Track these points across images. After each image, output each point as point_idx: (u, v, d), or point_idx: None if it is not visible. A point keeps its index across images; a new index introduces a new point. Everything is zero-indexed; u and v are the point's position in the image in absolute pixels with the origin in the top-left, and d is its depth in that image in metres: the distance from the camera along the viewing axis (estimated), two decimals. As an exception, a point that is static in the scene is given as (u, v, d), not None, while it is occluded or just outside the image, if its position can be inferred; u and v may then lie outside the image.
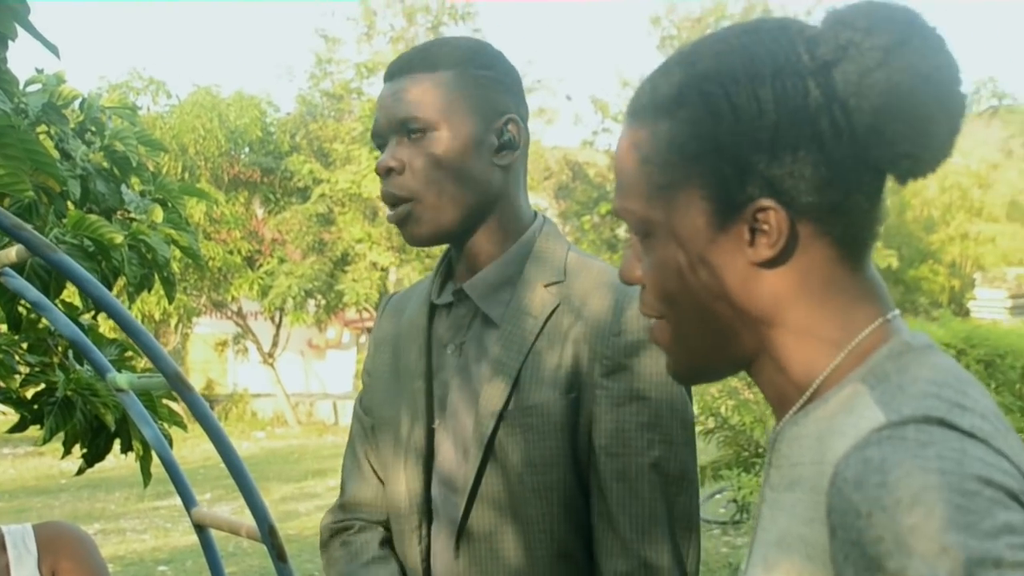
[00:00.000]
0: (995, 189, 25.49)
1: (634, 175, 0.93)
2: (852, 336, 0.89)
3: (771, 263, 0.89)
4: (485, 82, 1.50)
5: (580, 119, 31.68)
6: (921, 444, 0.76)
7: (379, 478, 1.63)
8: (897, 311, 0.92)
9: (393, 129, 1.50)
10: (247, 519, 1.45)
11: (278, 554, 1.33)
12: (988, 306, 19.88)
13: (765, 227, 0.88)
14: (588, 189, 22.36)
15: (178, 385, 1.29)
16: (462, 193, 1.48)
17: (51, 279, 2.29)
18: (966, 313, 20.26)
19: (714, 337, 0.93)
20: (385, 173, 1.49)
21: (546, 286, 1.50)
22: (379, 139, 1.53)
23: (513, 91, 1.54)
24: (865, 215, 0.89)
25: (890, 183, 0.91)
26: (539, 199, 23.16)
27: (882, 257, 22.48)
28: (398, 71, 1.52)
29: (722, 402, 7.37)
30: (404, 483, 1.54)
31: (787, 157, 0.86)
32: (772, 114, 0.86)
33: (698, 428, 7.40)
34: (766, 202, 0.87)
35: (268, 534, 1.33)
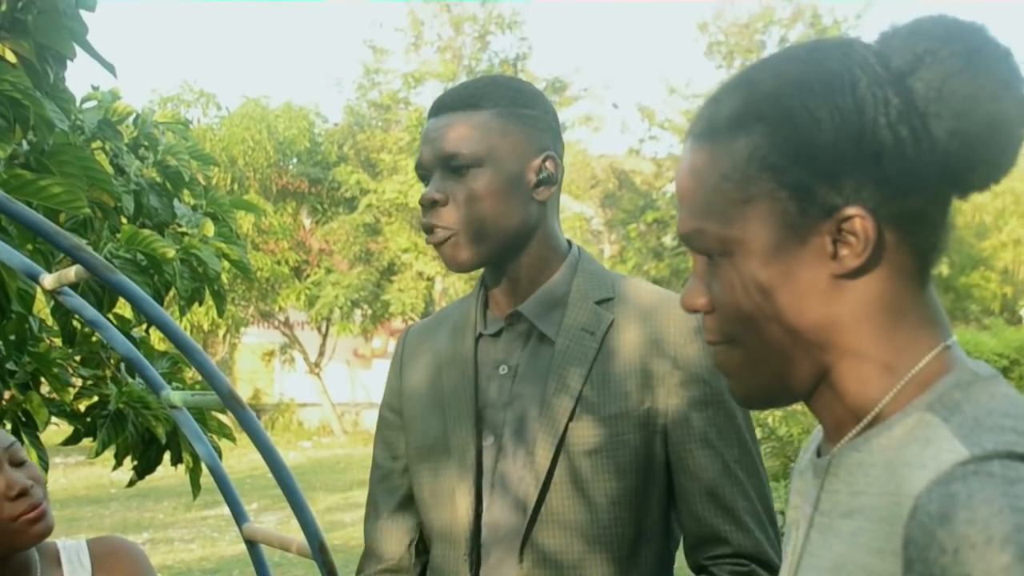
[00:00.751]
0: (1050, 194, 25.08)
1: (709, 193, 0.92)
2: (915, 361, 0.89)
3: (854, 274, 0.88)
4: (526, 121, 1.57)
5: (627, 127, 31.65)
6: (1009, 481, 0.75)
7: (405, 527, 1.70)
8: (955, 337, 0.92)
9: (437, 163, 1.56)
10: (294, 530, 1.47)
11: (329, 572, 1.35)
12: (1042, 313, 19.62)
13: (850, 238, 0.87)
14: (634, 197, 22.32)
15: (231, 403, 1.31)
16: (501, 226, 1.55)
17: (105, 294, 2.33)
18: (1018, 320, 20.02)
19: (786, 357, 0.91)
20: (429, 204, 1.56)
21: (597, 303, 1.57)
22: (423, 171, 1.60)
23: (551, 129, 1.61)
24: (938, 228, 0.90)
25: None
26: (585, 207, 23.15)
27: (932, 265, 22.16)
28: (444, 107, 1.58)
29: (769, 413, 7.32)
30: (461, 506, 1.58)
31: (870, 165, 0.86)
32: (854, 124, 0.86)
33: (745, 439, 7.36)
34: (852, 210, 0.87)
35: (319, 551, 1.35)
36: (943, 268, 23.42)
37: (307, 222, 21.86)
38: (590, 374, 1.53)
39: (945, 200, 0.90)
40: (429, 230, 1.57)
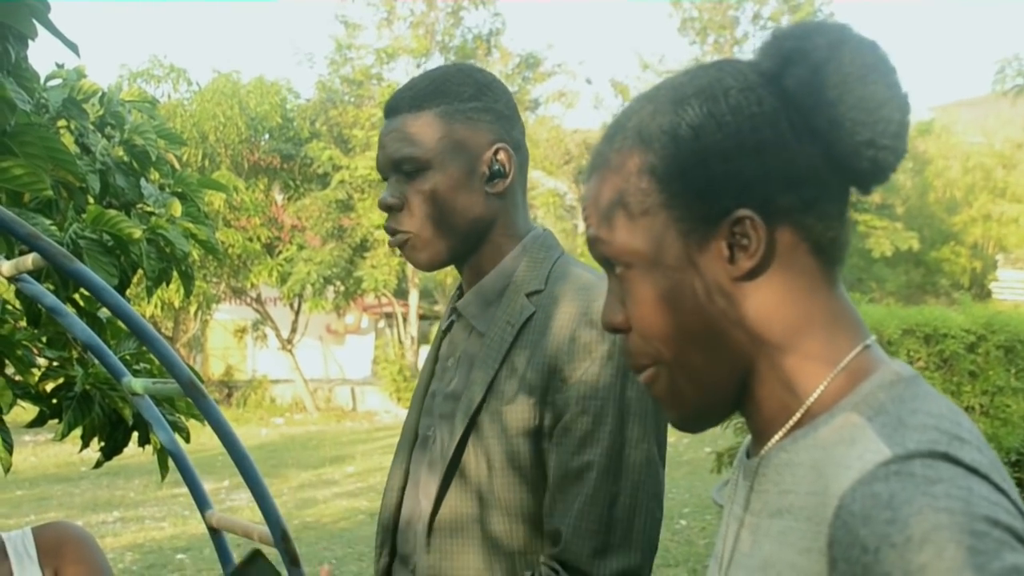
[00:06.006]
0: (1019, 169, 25.27)
1: (608, 207, 0.95)
2: (837, 359, 0.90)
3: (752, 274, 0.90)
4: (473, 115, 1.57)
5: (600, 102, 31.41)
6: (929, 481, 0.76)
7: None
8: (873, 337, 0.94)
9: (391, 168, 1.58)
10: (259, 515, 1.46)
11: (291, 560, 1.34)
12: (1010, 287, 19.80)
13: (744, 241, 0.90)
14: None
15: (192, 392, 1.30)
16: (456, 225, 1.56)
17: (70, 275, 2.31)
18: (988, 295, 20.16)
19: (705, 367, 0.93)
20: (387, 209, 1.59)
21: (528, 295, 1.57)
22: (383, 173, 1.62)
23: (504, 116, 1.60)
24: (835, 223, 0.92)
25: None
26: (559, 183, 23.13)
27: (903, 239, 22.39)
28: (392, 110, 1.60)
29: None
30: (388, 497, 1.68)
31: (752, 162, 0.89)
32: (730, 125, 0.90)
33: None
34: (742, 212, 0.89)
35: (281, 539, 1.34)
36: (913, 243, 23.48)
37: (279, 198, 21.77)
38: (501, 366, 1.53)
39: (839, 193, 0.93)
40: (391, 233, 1.59)
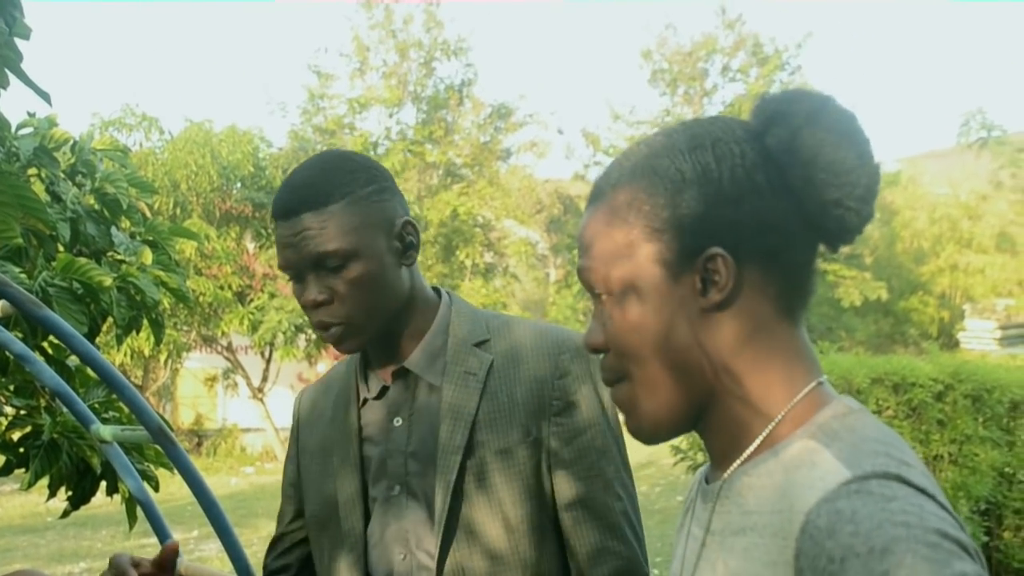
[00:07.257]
0: (984, 220, 25.62)
1: (599, 237, 1.05)
2: (793, 394, 1.01)
3: (720, 307, 1.01)
4: (374, 197, 1.62)
5: (572, 152, 31.64)
6: (886, 499, 0.86)
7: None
8: (825, 376, 1.04)
9: (309, 265, 1.59)
10: (229, 565, 1.46)
11: (260, 609, 1.34)
12: (977, 337, 19.94)
13: (716, 277, 1.00)
14: (579, 222, 22.40)
15: (161, 439, 1.30)
16: (386, 303, 1.62)
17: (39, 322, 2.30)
18: (956, 344, 20.31)
19: (670, 387, 1.03)
20: (315, 306, 1.60)
21: (476, 345, 1.66)
22: (292, 272, 1.63)
23: (395, 192, 1.67)
24: (801, 271, 1.03)
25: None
26: (531, 232, 23.20)
27: (872, 289, 22.59)
28: (293, 210, 1.60)
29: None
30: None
31: (730, 207, 1.00)
32: (714, 172, 1.01)
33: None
34: (715, 249, 1.00)
35: (250, 588, 1.34)
36: (882, 293, 23.66)
37: (251, 247, 21.69)
38: (477, 414, 1.60)
39: (808, 245, 1.03)
40: (324, 327, 1.62)
